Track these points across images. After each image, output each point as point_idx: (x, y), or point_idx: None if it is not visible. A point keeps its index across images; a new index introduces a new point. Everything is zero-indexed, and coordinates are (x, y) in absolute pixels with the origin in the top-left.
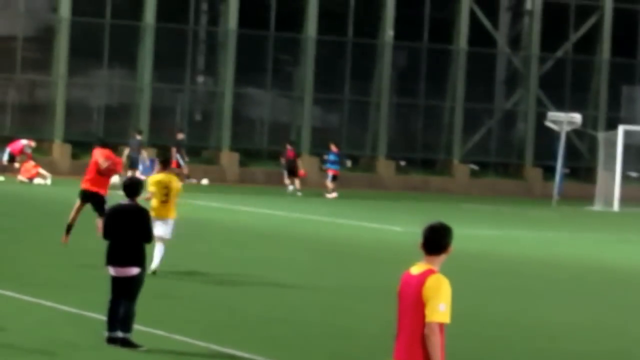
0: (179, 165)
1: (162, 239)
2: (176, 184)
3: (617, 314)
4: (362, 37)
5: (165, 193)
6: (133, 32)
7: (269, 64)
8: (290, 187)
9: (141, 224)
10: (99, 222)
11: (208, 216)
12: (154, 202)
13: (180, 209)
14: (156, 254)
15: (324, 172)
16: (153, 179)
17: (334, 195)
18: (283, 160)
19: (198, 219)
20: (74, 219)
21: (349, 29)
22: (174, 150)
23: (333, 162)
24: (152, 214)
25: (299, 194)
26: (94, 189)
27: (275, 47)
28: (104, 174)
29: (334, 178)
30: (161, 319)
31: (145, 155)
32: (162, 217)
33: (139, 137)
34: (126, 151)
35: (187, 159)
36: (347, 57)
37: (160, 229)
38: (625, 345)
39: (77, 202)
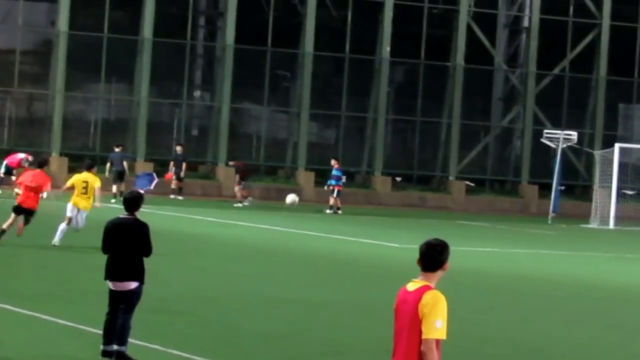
0: (179, 179)
1: (75, 226)
2: (94, 182)
3: (615, 332)
4: (360, 53)
5: (84, 187)
6: (131, 47)
7: (266, 79)
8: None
9: (141, 237)
10: (21, 224)
11: (205, 231)
12: (74, 195)
13: (178, 224)
14: (60, 230)
15: (328, 189)
16: (76, 176)
17: (339, 212)
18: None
19: (195, 234)
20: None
21: (346, 45)
22: (171, 164)
23: (337, 178)
24: (71, 202)
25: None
26: (26, 204)
27: (272, 62)
28: (34, 191)
29: (339, 194)
30: (157, 333)
31: (125, 166)
32: (79, 208)
33: (117, 150)
34: (108, 166)
35: (183, 174)
36: (344, 73)
37: (75, 217)
38: None
39: (12, 215)
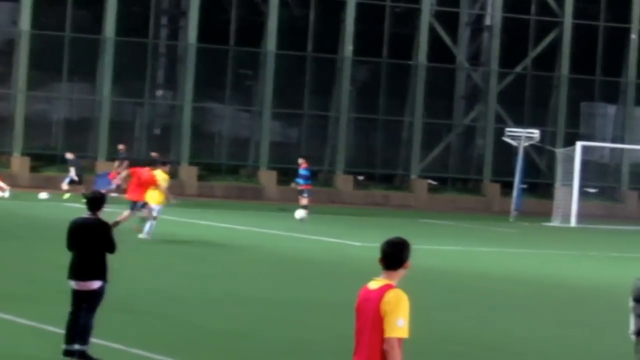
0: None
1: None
2: (161, 180)
3: (577, 330)
4: (322, 52)
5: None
6: (93, 46)
7: (229, 78)
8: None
9: (103, 237)
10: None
11: (166, 230)
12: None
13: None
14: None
15: (295, 189)
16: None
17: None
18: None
19: (156, 233)
20: None
21: (308, 44)
22: (116, 163)
23: (305, 178)
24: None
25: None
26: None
27: (234, 61)
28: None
29: (309, 193)
30: (120, 332)
31: (73, 171)
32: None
33: (70, 156)
34: (72, 171)
35: (123, 173)
36: (307, 72)
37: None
38: None
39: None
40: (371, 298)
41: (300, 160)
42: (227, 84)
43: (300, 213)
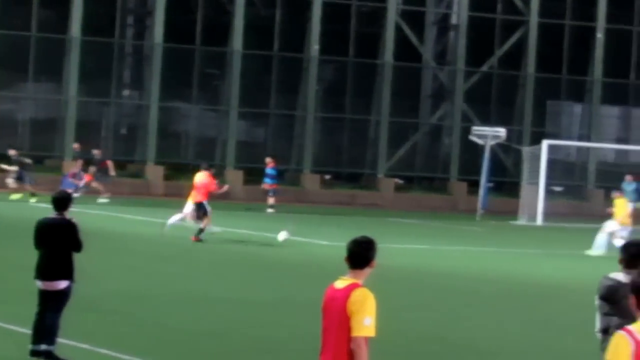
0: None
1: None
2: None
3: (544, 328)
4: (288, 51)
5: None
6: (59, 46)
7: (195, 77)
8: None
9: (70, 236)
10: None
11: (133, 230)
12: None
13: (108, 223)
14: (175, 220)
15: (264, 189)
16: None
17: (272, 210)
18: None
19: (123, 233)
20: None
21: (275, 43)
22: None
23: (272, 177)
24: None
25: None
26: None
27: (201, 61)
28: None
29: (275, 192)
30: (87, 332)
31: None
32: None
33: (12, 153)
34: (15, 168)
35: (76, 169)
36: (273, 71)
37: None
38: (551, 359)
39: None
40: (337, 297)
41: (268, 160)
42: (193, 83)
43: (283, 235)
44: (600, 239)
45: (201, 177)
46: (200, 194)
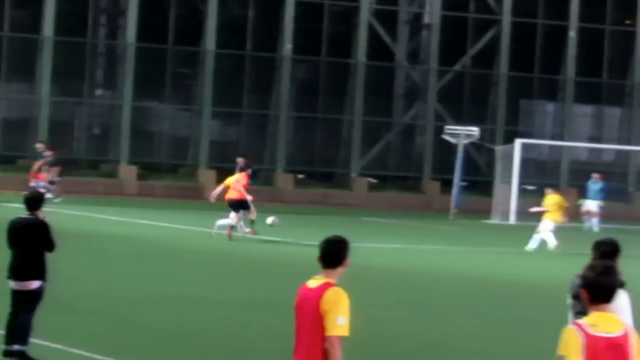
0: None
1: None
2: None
3: (519, 327)
4: (261, 50)
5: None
6: (31, 46)
7: (168, 77)
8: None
9: (43, 236)
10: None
11: (107, 230)
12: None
13: (81, 223)
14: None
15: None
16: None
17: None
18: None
19: (97, 233)
20: None
21: (248, 42)
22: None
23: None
24: None
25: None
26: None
27: (174, 60)
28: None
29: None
30: (60, 333)
31: None
32: None
33: None
34: None
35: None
36: (246, 70)
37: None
38: (526, 358)
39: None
40: (310, 296)
41: (239, 160)
42: (166, 83)
43: (271, 219)
44: (539, 236)
45: (236, 177)
46: (237, 192)
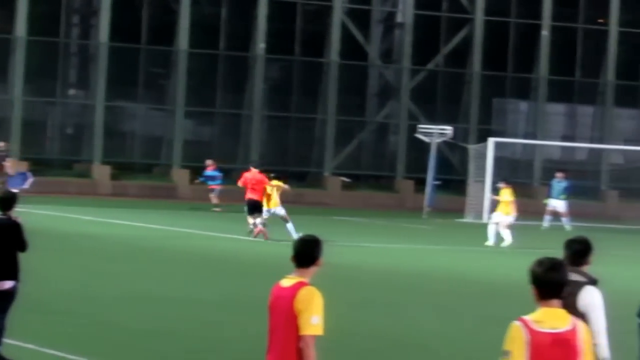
0: None
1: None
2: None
3: (490, 325)
4: (234, 50)
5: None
6: (4, 45)
7: (141, 77)
8: None
9: (15, 236)
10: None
11: (80, 230)
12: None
13: (54, 222)
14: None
15: (207, 188)
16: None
17: (216, 210)
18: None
19: (70, 233)
20: None
21: (221, 41)
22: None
23: (214, 178)
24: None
25: None
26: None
27: (147, 60)
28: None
29: (219, 192)
30: (33, 333)
31: None
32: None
33: None
34: None
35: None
36: (219, 69)
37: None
38: (494, 355)
39: None
40: (284, 296)
41: (208, 162)
42: (139, 82)
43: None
44: (491, 230)
45: (254, 176)
46: (257, 193)
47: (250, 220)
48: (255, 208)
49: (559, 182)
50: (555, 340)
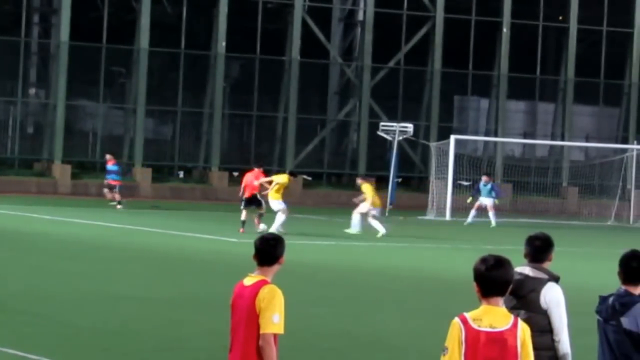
0: None
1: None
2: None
3: (450, 321)
4: (195, 48)
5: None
6: None
7: (102, 76)
8: None
9: None
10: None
11: (40, 229)
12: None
13: (12, 222)
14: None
15: (108, 184)
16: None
17: (119, 206)
18: None
19: (29, 232)
20: None
21: (181, 40)
22: None
23: (115, 173)
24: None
25: None
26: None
27: (107, 59)
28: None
29: (113, 188)
30: None
31: None
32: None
33: None
34: None
35: None
36: (180, 68)
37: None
38: None
39: None
40: (246, 294)
41: (108, 157)
42: (100, 81)
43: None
44: (355, 219)
45: (254, 175)
46: (253, 189)
47: (244, 214)
48: (251, 202)
49: (485, 185)
50: (490, 339)
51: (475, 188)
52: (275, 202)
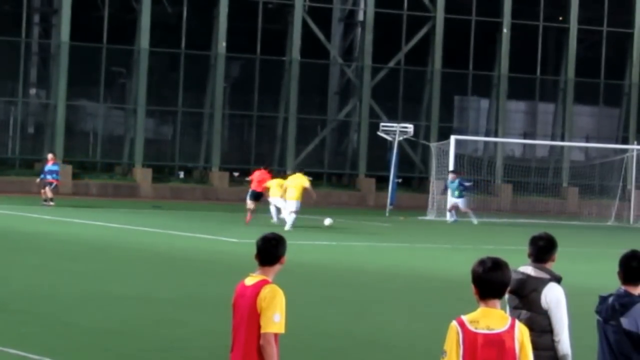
0: None
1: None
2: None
3: (449, 322)
4: (195, 48)
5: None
6: None
7: (102, 76)
8: None
9: None
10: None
11: (40, 229)
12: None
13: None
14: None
15: (40, 184)
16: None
17: (51, 204)
18: None
19: (30, 232)
20: None
21: (182, 40)
22: None
23: (55, 172)
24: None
25: None
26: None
27: (108, 59)
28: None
29: (50, 186)
30: None
31: None
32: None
33: None
34: None
35: None
36: (181, 68)
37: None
38: None
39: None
40: (247, 294)
41: (50, 156)
42: (100, 82)
43: (328, 221)
44: (272, 210)
45: (262, 175)
46: (260, 186)
47: (250, 204)
48: (257, 196)
49: (452, 183)
50: (488, 341)
51: (444, 185)
52: (296, 202)
